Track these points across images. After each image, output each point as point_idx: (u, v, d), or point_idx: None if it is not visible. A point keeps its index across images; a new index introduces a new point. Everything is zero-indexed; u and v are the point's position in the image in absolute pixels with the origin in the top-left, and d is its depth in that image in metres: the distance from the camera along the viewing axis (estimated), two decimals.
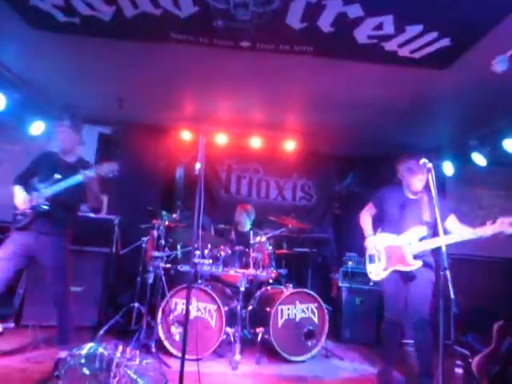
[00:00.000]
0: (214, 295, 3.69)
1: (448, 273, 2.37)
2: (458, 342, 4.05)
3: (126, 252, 4.45)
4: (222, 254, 3.90)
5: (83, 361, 2.14)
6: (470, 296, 4.34)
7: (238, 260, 4.02)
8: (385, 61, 3.37)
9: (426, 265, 3.03)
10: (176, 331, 3.60)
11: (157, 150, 5.51)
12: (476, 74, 3.39)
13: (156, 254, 3.88)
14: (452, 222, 3.06)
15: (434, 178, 2.63)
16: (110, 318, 4.09)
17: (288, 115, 4.98)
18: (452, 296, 2.31)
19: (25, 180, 3.16)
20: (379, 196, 3.43)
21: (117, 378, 2.10)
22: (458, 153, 5.06)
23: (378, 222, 3.39)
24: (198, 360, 2.95)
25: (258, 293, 4.23)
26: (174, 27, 3.13)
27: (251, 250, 3.94)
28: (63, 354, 2.94)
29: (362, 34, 3.02)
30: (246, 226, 4.77)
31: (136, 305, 4.12)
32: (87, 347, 2.19)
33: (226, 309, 3.78)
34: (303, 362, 3.79)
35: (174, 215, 4.28)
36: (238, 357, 3.54)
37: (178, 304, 3.70)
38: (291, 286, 4.14)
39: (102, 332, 3.88)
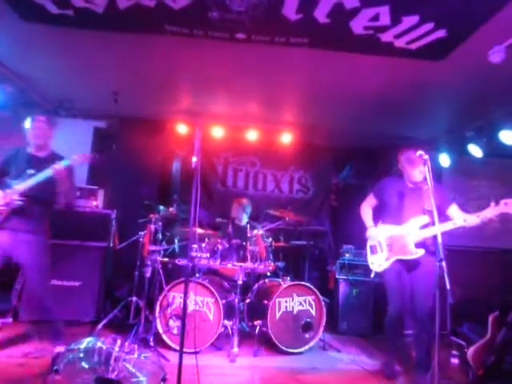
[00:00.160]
0: (212, 288, 3.70)
1: (444, 264, 2.39)
2: (453, 332, 4.09)
3: (123, 246, 4.45)
4: (220, 247, 3.91)
5: (82, 355, 2.15)
6: (465, 287, 4.38)
7: (236, 253, 4.03)
8: (381, 52, 3.36)
9: (428, 252, 3.03)
10: (174, 325, 3.61)
11: (153, 144, 5.48)
12: (472, 65, 3.39)
13: (153, 247, 3.87)
14: (455, 210, 3.09)
15: (430, 169, 2.64)
16: (108, 312, 4.11)
17: (284, 108, 4.97)
18: (448, 286, 2.32)
19: None
20: (380, 186, 3.45)
21: (115, 372, 2.11)
22: (454, 144, 5.08)
23: (379, 215, 3.40)
24: (196, 353, 2.96)
25: (256, 286, 4.24)
26: (168, 19, 3.09)
27: (248, 244, 3.95)
28: (60, 349, 2.96)
29: (358, 25, 3.00)
30: (243, 219, 4.77)
31: (134, 299, 4.13)
32: (86, 341, 2.20)
33: (224, 302, 3.80)
34: (301, 354, 3.82)
35: (171, 209, 4.27)
36: (235, 349, 3.56)
37: (175, 298, 3.71)
38: (289, 278, 4.15)
39: (100, 326, 3.90)
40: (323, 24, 3.00)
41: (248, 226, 4.24)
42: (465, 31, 2.99)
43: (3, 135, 5.06)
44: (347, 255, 4.95)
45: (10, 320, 3.97)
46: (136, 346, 2.24)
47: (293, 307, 3.90)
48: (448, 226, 2.91)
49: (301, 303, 3.93)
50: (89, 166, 5.43)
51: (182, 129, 5.49)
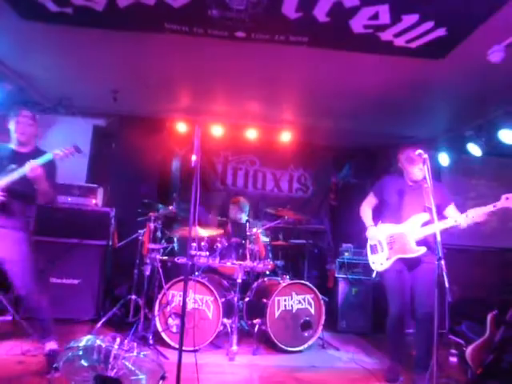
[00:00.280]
0: (211, 287, 3.71)
1: (443, 262, 2.39)
2: (452, 331, 4.10)
3: (122, 244, 4.45)
4: (219, 245, 3.91)
5: (81, 353, 2.15)
6: (464, 286, 4.39)
7: (235, 252, 4.04)
8: (380, 51, 3.36)
9: (430, 250, 3.01)
10: (173, 323, 3.62)
11: (152, 142, 5.47)
12: (472, 64, 3.39)
13: (153, 246, 3.87)
14: (452, 209, 3.09)
15: (429, 168, 2.64)
16: (107, 310, 4.11)
17: (284, 106, 4.96)
18: (447, 285, 2.33)
19: None
20: (380, 185, 3.44)
21: (115, 370, 2.11)
22: (453, 143, 5.08)
23: (379, 214, 3.40)
24: (195, 351, 2.97)
25: (255, 284, 4.25)
26: (168, 17, 3.09)
27: (248, 242, 3.95)
28: (51, 346, 2.92)
29: (358, 24, 3.00)
30: (242, 218, 4.77)
31: (133, 297, 4.14)
32: (85, 339, 2.19)
33: (223, 300, 3.80)
34: (300, 352, 3.82)
35: (171, 207, 4.27)
36: (235, 348, 3.57)
37: (175, 296, 3.71)
38: (288, 277, 4.16)
39: (99, 324, 3.90)
40: (323, 23, 3.00)
41: (247, 224, 4.24)
42: (464, 30, 2.99)
43: (2, 133, 5.06)
44: (346, 254, 4.96)
45: (9, 318, 3.97)
46: (135, 344, 2.24)
47: (292, 306, 3.90)
48: (449, 223, 2.90)
49: (300, 302, 3.94)
50: (88, 165, 5.44)
51: (181, 127, 5.49)
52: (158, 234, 4.04)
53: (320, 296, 4.00)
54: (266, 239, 4.30)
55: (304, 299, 3.96)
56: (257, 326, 3.81)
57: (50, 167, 2.98)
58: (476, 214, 2.82)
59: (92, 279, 4.37)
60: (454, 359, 3.67)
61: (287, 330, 3.83)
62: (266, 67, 3.86)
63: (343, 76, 3.93)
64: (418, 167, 3.11)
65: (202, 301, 3.71)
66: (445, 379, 3.15)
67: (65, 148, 2.92)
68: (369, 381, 3.27)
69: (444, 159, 5.18)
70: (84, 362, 2.12)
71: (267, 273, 4.46)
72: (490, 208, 2.76)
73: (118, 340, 2.20)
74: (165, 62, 3.92)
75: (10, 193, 2.85)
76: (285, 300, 3.88)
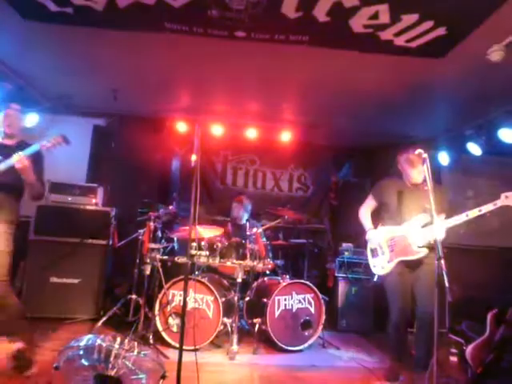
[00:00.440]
0: (211, 286, 3.71)
1: (443, 262, 2.39)
2: (452, 330, 4.09)
3: (122, 244, 4.45)
4: (219, 245, 3.91)
5: (82, 352, 2.15)
6: (464, 285, 4.38)
7: (235, 251, 4.04)
8: (380, 50, 3.35)
9: (431, 251, 3.01)
10: (173, 322, 3.62)
11: (152, 142, 5.48)
12: (472, 63, 3.39)
13: (153, 245, 3.88)
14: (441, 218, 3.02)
15: (429, 167, 2.63)
16: (107, 309, 4.12)
17: (284, 106, 4.96)
18: (446, 284, 2.33)
19: None
20: (379, 187, 3.42)
21: (115, 369, 2.11)
22: (453, 142, 5.08)
23: (378, 217, 3.39)
24: (195, 350, 2.96)
25: (255, 284, 4.25)
26: (168, 17, 3.08)
27: (248, 242, 3.95)
28: (18, 346, 2.82)
29: (358, 23, 3.00)
30: (244, 217, 4.78)
31: (133, 296, 4.14)
32: (85, 339, 2.20)
33: (223, 300, 3.80)
34: (300, 351, 3.83)
35: (171, 207, 4.27)
36: (235, 347, 3.57)
37: (175, 295, 3.72)
38: (288, 276, 4.17)
39: (99, 324, 3.91)
40: (323, 22, 2.99)
41: (247, 224, 4.24)
42: (464, 29, 2.99)
43: None
44: (346, 253, 4.97)
45: None
46: (136, 344, 2.25)
47: (292, 305, 3.90)
48: (451, 222, 2.90)
49: (300, 301, 3.94)
50: (88, 164, 5.44)
51: (181, 127, 5.49)
52: (158, 233, 4.04)
53: (320, 295, 4.00)
54: (264, 239, 4.30)
55: (304, 298, 3.97)
56: (257, 326, 3.81)
57: (38, 159, 2.95)
58: (475, 215, 2.82)
59: (92, 279, 4.38)
60: (454, 358, 3.66)
61: (287, 330, 3.83)
62: (265, 66, 3.85)
63: (343, 75, 3.93)
64: (417, 170, 3.10)
65: (202, 300, 3.71)
66: (445, 378, 3.14)
67: (52, 138, 2.88)
68: (369, 380, 3.28)
69: (444, 158, 5.18)
70: (84, 362, 2.13)
71: (267, 272, 4.46)
72: (490, 207, 2.76)
73: (119, 339, 2.20)
74: (165, 62, 3.92)
75: None
76: (285, 299, 3.89)
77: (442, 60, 3.41)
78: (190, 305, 3.62)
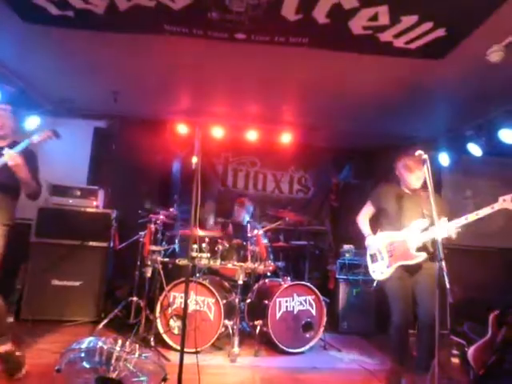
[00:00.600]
0: (212, 288, 3.71)
1: (444, 263, 2.39)
2: (454, 331, 4.09)
3: (123, 246, 4.46)
4: (220, 247, 3.91)
5: (83, 355, 2.15)
6: (466, 286, 4.37)
7: (236, 253, 4.03)
8: (380, 52, 3.35)
9: (429, 255, 3.02)
10: (175, 324, 3.62)
11: (153, 144, 5.48)
12: (471, 64, 3.39)
13: (154, 247, 3.88)
14: (443, 221, 3.01)
15: (429, 169, 2.63)
16: (108, 312, 4.12)
17: (284, 108, 4.97)
18: (448, 286, 2.32)
19: None
20: (377, 193, 3.42)
21: (116, 372, 2.11)
22: (453, 143, 5.07)
23: (377, 223, 3.38)
24: (196, 353, 2.96)
25: (256, 286, 4.25)
26: (167, 19, 3.09)
27: (249, 244, 3.95)
28: (5, 348, 2.79)
29: (357, 25, 3.00)
30: (245, 219, 4.78)
31: (135, 299, 4.14)
32: (87, 341, 2.20)
33: (225, 302, 3.80)
34: (301, 353, 3.83)
35: (171, 209, 4.28)
36: (236, 349, 3.57)
37: (176, 297, 3.72)
38: (289, 278, 4.16)
39: (101, 326, 3.91)
40: (322, 24, 3.00)
41: (248, 225, 4.25)
42: (463, 30, 2.99)
43: None
44: (347, 255, 4.96)
45: (11, 319, 3.98)
46: (137, 346, 2.25)
47: (293, 307, 3.90)
48: (453, 225, 2.90)
49: (301, 303, 3.94)
50: (89, 166, 5.45)
51: (182, 129, 5.49)
52: (159, 235, 4.04)
53: (321, 297, 4.00)
54: (265, 241, 4.30)
55: (305, 300, 3.96)
56: (258, 328, 3.81)
57: (30, 156, 2.94)
58: (473, 219, 2.83)
59: (93, 281, 4.39)
60: (455, 360, 3.65)
61: (288, 332, 3.83)
62: (266, 68, 3.86)
63: (343, 77, 3.93)
64: (415, 175, 3.10)
65: (203, 302, 3.71)
66: (447, 380, 3.13)
67: (42, 132, 2.88)
68: (370, 382, 3.28)
69: (444, 159, 5.18)
70: (86, 364, 2.13)
71: (268, 274, 4.46)
72: (488, 210, 2.77)
73: (120, 342, 2.20)
74: (165, 64, 3.93)
75: None
76: (286, 301, 3.88)
77: (442, 61, 3.41)
78: (191, 307, 3.63)
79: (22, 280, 4.29)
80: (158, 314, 3.64)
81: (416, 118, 4.87)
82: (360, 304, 4.79)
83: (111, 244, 4.56)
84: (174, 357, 3.29)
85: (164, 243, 4.11)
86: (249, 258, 3.87)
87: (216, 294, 3.69)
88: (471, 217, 2.81)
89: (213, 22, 3.06)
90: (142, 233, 4.15)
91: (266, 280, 4.33)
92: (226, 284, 4.20)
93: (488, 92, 3.89)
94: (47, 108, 4.99)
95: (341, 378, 3.36)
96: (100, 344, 2.15)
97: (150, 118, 5.52)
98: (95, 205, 4.67)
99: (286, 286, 3.89)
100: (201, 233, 3.82)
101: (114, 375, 2.09)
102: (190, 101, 4.95)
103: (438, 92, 4.11)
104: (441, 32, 3.00)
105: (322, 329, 3.94)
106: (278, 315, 3.82)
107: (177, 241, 4.37)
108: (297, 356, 3.77)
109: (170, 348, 3.56)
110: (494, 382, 2.99)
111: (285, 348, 3.75)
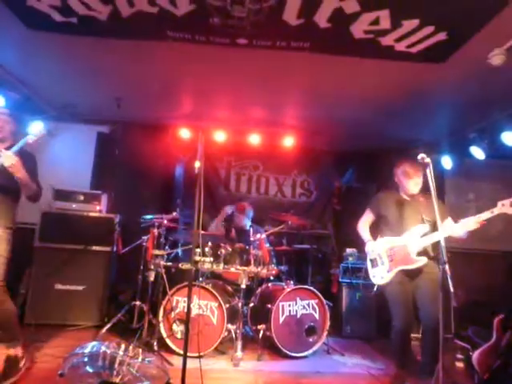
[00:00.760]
0: (215, 293, 3.71)
1: (447, 266, 2.38)
2: (458, 335, 4.07)
3: (126, 251, 4.46)
4: (223, 251, 3.91)
5: (86, 359, 2.16)
6: (470, 290, 4.36)
7: (239, 257, 4.03)
8: (382, 56, 3.36)
9: (430, 259, 3.04)
10: (178, 329, 3.62)
11: (156, 148, 5.50)
12: (473, 68, 3.39)
13: (157, 252, 3.89)
14: (449, 222, 3.05)
15: (432, 172, 2.64)
16: (112, 316, 4.12)
17: (286, 112, 4.98)
18: (451, 289, 2.32)
19: None
20: (376, 200, 3.46)
21: (120, 376, 2.12)
22: (456, 146, 5.07)
23: (377, 230, 3.39)
24: (199, 357, 2.96)
25: (259, 290, 4.24)
26: (170, 25, 3.12)
27: (251, 248, 3.95)
28: (12, 352, 2.83)
29: (359, 29, 3.01)
30: (247, 224, 4.78)
31: (138, 303, 4.14)
32: (90, 346, 2.21)
33: (228, 306, 3.80)
34: (305, 358, 3.81)
35: (174, 213, 4.29)
36: (239, 353, 3.56)
37: (179, 302, 3.72)
38: (292, 282, 4.16)
39: (104, 330, 3.91)
40: (324, 28, 3.01)
41: (251, 229, 4.25)
42: (465, 34, 2.99)
43: None
44: (350, 259, 4.95)
45: None
46: (140, 350, 2.25)
47: (296, 311, 3.89)
48: (451, 231, 2.90)
49: (304, 307, 3.93)
50: (92, 171, 5.47)
51: (184, 133, 5.51)
52: (162, 240, 4.05)
53: (324, 301, 3.99)
54: (268, 245, 4.30)
55: (308, 304, 3.95)
56: (261, 332, 3.80)
57: (27, 157, 2.94)
58: (469, 223, 2.83)
59: (96, 285, 4.40)
60: (460, 364, 3.64)
61: (292, 336, 3.82)
62: (268, 73, 3.88)
63: (345, 81, 3.95)
64: (413, 181, 3.15)
65: (206, 306, 3.71)
66: None
67: (37, 132, 2.91)
68: None
69: (447, 162, 5.18)
70: (89, 369, 2.14)
71: (271, 278, 4.46)
72: (487, 215, 2.77)
73: (123, 346, 2.21)
74: (168, 69, 3.96)
75: None
76: (289, 305, 3.88)
77: (443, 65, 3.42)
78: (194, 311, 3.63)
79: (25, 285, 4.30)
80: (161, 319, 3.64)
81: (418, 122, 4.87)
82: (363, 308, 4.76)
83: (114, 248, 4.57)
84: (177, 361, 3.28)
85: (167, 247, 4.11)
86: (252, 262, 3.87)
87: (219, 298, 3.69)
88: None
89: (215, 27, 3.08)
90: (145, 237, 4.15)
91: (269, 284, 4.33)
92: (229, 288, 4.19)
93: (490, 95, 3.89)
94: (51, 114, 5.03)
95: (344, 382, 3.34)
96: (103, 348, 2.16)
97: (152, 122, 5.55)
98: (98, 209, 4.69)
99: (289, 289, 3.88)
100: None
101: (117, 380, 2.10)
102: (193, 106, 4.98)
103: (439, 96, 4.12)
104: (442, 36, 3.01)
105: (325, 333, 3.93)
106: (281, 319, 3.82)
107: (180, 245, 4.37)
108: (300, 360, 3.76)
109: (173, 352, 3.55)
110: None
111: (288, 352, 3.74)
